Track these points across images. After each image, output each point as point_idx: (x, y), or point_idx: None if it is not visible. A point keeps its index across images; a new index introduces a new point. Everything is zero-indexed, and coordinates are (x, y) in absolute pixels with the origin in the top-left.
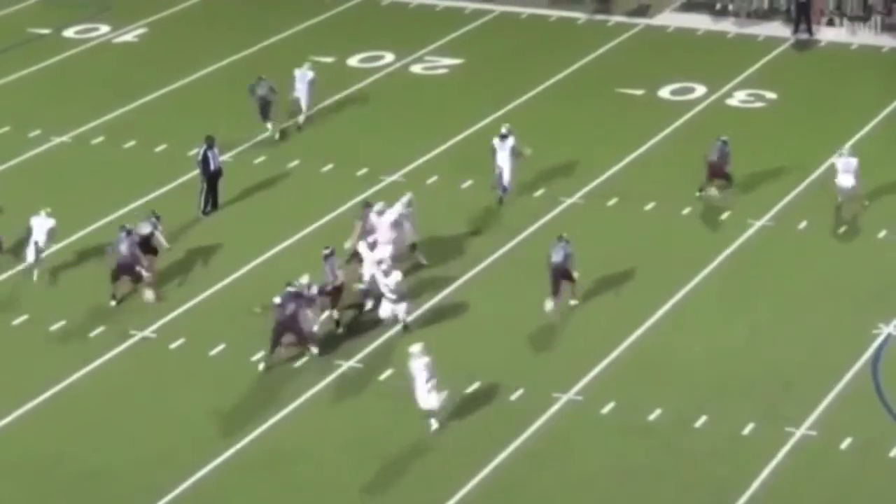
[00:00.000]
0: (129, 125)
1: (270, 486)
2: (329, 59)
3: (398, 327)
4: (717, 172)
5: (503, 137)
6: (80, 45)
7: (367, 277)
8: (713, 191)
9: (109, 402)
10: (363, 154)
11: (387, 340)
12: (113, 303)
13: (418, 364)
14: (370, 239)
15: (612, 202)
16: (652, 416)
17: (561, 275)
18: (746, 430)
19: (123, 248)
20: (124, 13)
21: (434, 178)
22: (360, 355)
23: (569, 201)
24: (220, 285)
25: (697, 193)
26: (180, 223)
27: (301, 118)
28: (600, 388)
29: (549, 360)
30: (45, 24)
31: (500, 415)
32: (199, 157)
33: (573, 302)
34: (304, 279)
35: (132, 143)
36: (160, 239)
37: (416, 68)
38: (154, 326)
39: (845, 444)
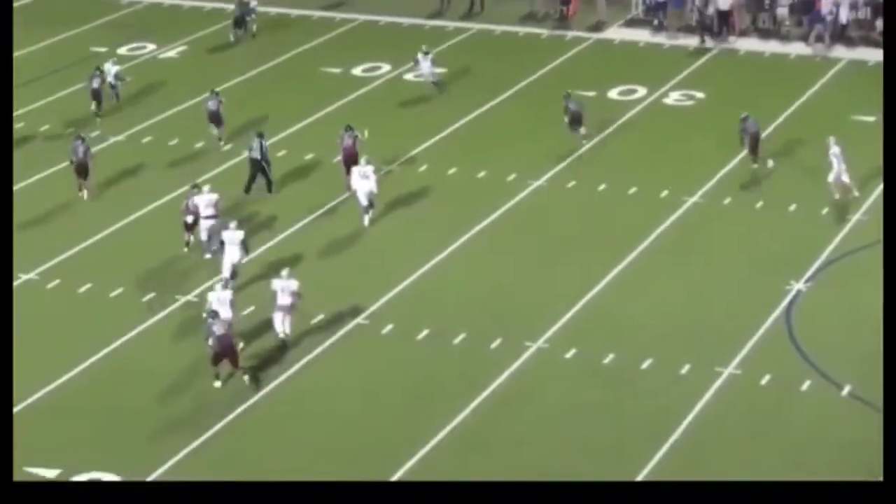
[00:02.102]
0: (173, 127)
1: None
2: (337, 70)
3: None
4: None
5: (426, 54)
6: (131, 61)
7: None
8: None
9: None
10: (374, 144)
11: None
12: None
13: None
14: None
15: (570, 184)
16: (606, 361)
17: (579, 120)
18: (684, 371)
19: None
20: (167, 33)
21: (424, 167)
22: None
23: (535, 184)
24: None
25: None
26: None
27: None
28: (564, 337)
29: (521, 314)
30: (103, 43)
31: (481, 361)
32: (258, 148)
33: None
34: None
35: (175, 140)
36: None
37: (409, 77)
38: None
39: (765, 380)
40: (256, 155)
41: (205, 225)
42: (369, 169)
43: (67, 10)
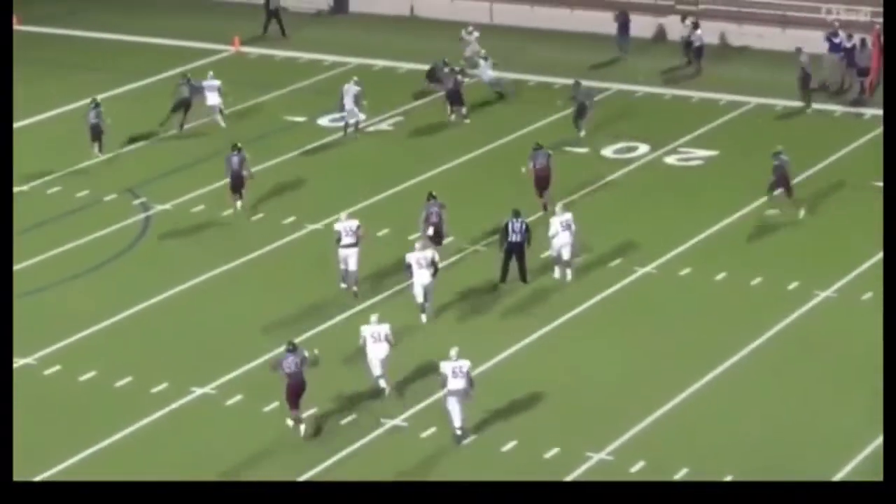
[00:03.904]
0: (384, 214)
1: None
2: (582, 150)
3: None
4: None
5: (485, 59)
6: (332, 133)
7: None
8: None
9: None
10: (623, 242)
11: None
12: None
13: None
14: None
15: (866, 296)
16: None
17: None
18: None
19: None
20: (377, 100)
21: (686, 270)
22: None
23: (823, 295)
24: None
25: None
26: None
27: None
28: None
29: (801, 458)
30: (300, 113)
31: None
32: (519, 231)
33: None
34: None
35: (386, 230)
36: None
37: (671, 159)
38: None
39: None
40: (517, 238)
41: (342, 254)
42: (568, 217)
43: (257, 71)
